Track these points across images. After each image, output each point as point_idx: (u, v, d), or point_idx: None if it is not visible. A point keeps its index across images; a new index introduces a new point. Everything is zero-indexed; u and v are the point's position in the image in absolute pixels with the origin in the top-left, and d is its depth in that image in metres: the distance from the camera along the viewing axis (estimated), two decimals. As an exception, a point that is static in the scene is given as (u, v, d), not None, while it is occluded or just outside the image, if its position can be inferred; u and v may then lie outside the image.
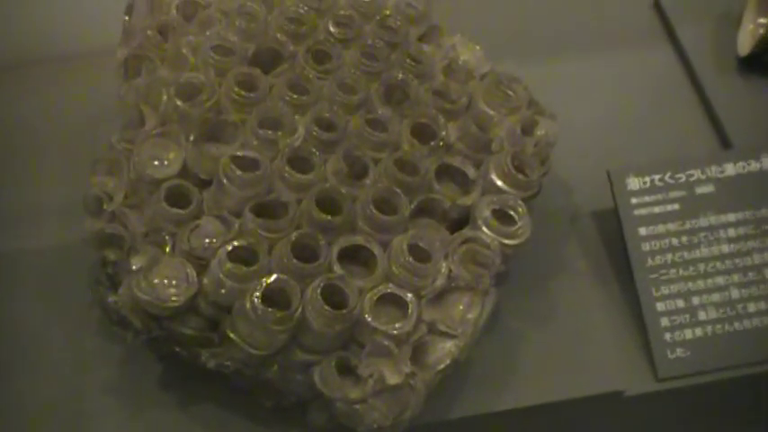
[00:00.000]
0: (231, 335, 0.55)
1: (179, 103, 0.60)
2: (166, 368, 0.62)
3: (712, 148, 0.75)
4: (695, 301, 0.64)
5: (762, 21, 0.81)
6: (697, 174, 0.68)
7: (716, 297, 0.65)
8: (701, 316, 0.64)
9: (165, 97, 0.60)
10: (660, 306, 0.64)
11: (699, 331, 0.64)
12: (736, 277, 0.65)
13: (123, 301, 0.56)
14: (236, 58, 0.63)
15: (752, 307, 0.64)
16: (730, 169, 0.68)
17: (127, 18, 0.67)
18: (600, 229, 0.70)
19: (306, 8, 0.67)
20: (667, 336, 0.63)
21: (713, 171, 0.68)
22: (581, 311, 0.67)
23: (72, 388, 0.62)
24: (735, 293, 0.65)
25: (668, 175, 0.68)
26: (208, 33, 0.64)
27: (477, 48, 0.69)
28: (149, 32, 0.65)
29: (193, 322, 0.56)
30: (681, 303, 0.64)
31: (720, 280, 0.65)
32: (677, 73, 0.81)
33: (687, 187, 0.67)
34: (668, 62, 0.82)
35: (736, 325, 0.64)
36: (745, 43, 0.81)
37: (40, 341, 0.64)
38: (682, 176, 0.68)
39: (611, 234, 0.68)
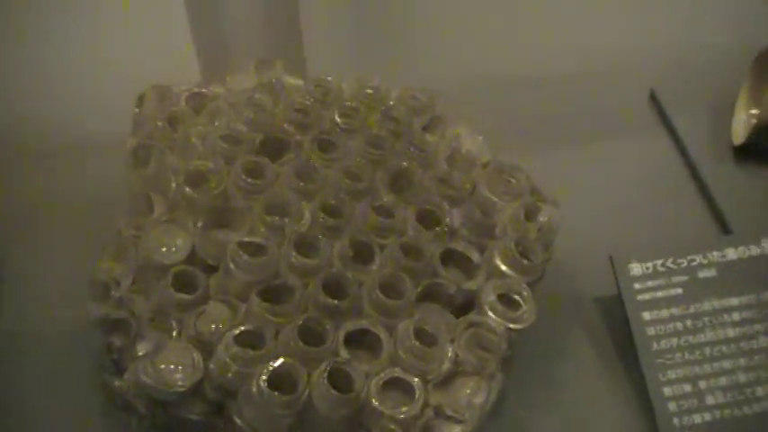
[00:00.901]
0: (236, 420, 0.54)
1: (187, 189, 0.61)
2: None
3: (712, 234, 0.76)
4: (702, 385, 0.64)
5: (753, 111, 0.84)
6: (699, 259, 0.68)
7: (723, 381, 0.64)
8: (709, 400, 0.64)
9: (173, 184, 0.62)
10: (667, 391, 0.64)
11: (707, 416, 0.63)
12: (742, 361, 0.65)
13: (128, 385, 0.56)
14: (243, 147, 0.64)
15: (760, 391, 0.64)
16: (732, 254, 0.69)
17: (137, 110, 0.69)
18: (604, 315, 0.71)
19: (312, 100, 0.69)
20: (675, 421, 0.63)
21: (715, 256, 0.69)
22: (587, 398, 0.66)
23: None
24: (742, 377, 0.64)
25: (670, 260, 0.68)
26: (216, 123, 0.66)
27: (480, 138, 0.71)
28: (159, 123, 0.66)
29: (199, 408, 0.56)
30: (688, 388, 0.64)
31: (727, 364, 0.65)
32: (675, 161, 0.83)
33: (689, 272, 0.68)
34: (666, 151, 0.84)
35: (745, 409, 0.63)
36: (738, 132, 0.83)
37: (43, 426, 0.63)
38: (684, 261, 0.68)
39: (616, 319, 0.68)
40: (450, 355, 0.57)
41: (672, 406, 0.63)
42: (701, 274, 0.68)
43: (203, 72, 0.79)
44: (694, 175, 0.82)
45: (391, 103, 0.70)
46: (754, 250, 0.69)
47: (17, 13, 0.79)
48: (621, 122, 0.87)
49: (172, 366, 0.55)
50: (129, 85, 0.70)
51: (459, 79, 0.85)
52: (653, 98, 0.89)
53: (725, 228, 0.77)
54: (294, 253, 0.58)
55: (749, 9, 0.92)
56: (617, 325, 0.68)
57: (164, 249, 0.60)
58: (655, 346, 0.65)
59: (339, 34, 0.88)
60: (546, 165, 0.74)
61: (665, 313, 0.67)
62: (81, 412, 0.64)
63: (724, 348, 0.65)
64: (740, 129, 0.84)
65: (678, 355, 0.65)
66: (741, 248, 0.69)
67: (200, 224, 0.60)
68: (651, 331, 0.66)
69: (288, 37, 0.79)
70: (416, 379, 0.56)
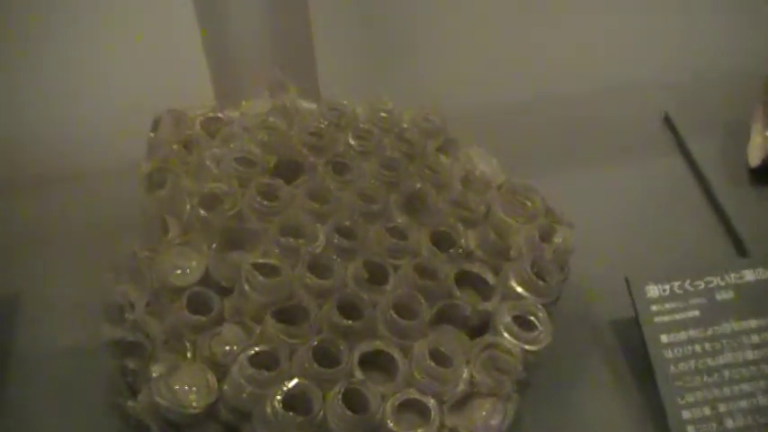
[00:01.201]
0: (251, 442, 0.54)
1: (201, 211, 0.61)
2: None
3: (729, 256, 0.76)
4: (722, 408, 0.63)
5: (769, 133, 0.83)
6: (716, 280, 0.68)
7: (743, 404, 0.63)
8: (729, 424, 0.63)
9: (188, 206, 0.62)
10: (686, 414, 0.63)
11: (727, 439, 0.62)
12: (762, 383, 0.64)
13: (142, 406, 0.55)
14: (258, 169, 0.64)
15: (780, 414, 0.63)
16: (749, 275, 0.68)
17: (152, 134, 0.70)
18: (620, 338, 0.70)
19: (326, 123, 0.69)
20: (695, 444, 0.62)
21: (732, 278, 0.68)
22: (604, 421, 0.66)
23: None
24: (762, 400, 0.63)
25: (687, 282, 0.68)
26: (231, 146, 0.66)
27: (493, 159, 0.71)
28: (174, 146, 0.67)
29: (213, 429, 0.55)
30: (707, 411, 0.63)
31: (746, 386, 0.64)
32: (690, 183, 0.83)
33: (707, 294, 0.67)
34: (680, 173, 0.83)
35: (766, 432, 0.62)
36: (754, 155, 0.83)
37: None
38: (701, 283, 0.68)
39: (632, 342, 0.68)
40: (465, 376, 0.57)
41: (691, 429, 0.62)
42: (719, 297, 0.67)
43: (217, 97, 0.79)
44: (710, 197, 0.81)
45: (405, 125, 0.70)
46: (772, 272, 0.68)
47: (30, 40, 0.80)
48: (636, 144, 0.87)
49: (186, 387, 0.55)
50: (143, 109, 0.70)
51: (472, 101, 0.85)
52: (667, 119, 0.89)
53: (741, 250, 0.76)
54: (308, 274, 0.58)
55: (765, 31, 0.92)
56: (634, 348, 0.67)
57: (178, 272, 0.60)
58: (673, 368, 0.65)
59: (352, 56, 0.88)
60: (560, 186, 0.74)
61: (682, 335, 0.66)
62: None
63: (743, 371, 0.65)
64: (756, 151, 0.83)
65: (697, 377, 0.64)
66: (759, 270, 0.68)
67: (214, 246, 0.60)
68: (669, 354, 0.65)
69: (301, 59, 0.79)
70: (432, 400, 0.55)
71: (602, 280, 0.71)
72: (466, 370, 0.57)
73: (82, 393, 0.65)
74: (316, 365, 0.54)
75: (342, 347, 0.56)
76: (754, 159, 0.82)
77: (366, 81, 0.89)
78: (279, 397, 0.53)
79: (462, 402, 0.57)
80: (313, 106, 0.72)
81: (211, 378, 0.55)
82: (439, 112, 0.72)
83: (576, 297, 0.72)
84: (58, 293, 0.73)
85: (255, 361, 0.55)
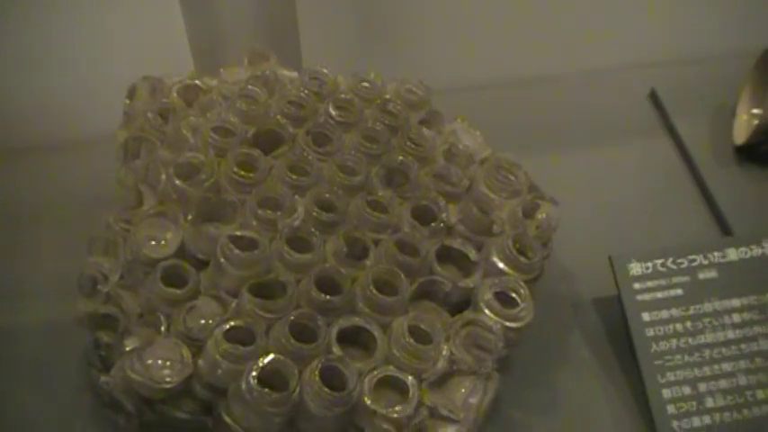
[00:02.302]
0: (226, 418, 0.53)
1: (178, 182, 0.60)
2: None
3: (713, 235, 0.75)
4: (702, 387, 0.63)
5: (755, 111, 0.83)
6: (699, 259, 0.67)
7: (723, 384, 0.63)
8: (709, 403, 0.62)
9: (163, 176, 0.60)
10: (666, 393, 0.63)
11: (707, 419, 0.62)
12: (743, 363, 0.63)
13: (115, 382, 0.54)
14: (236, 139, 0.63)
15: (760, 394, 0.62)
16: (732, 255, 0.68)
17: (128, 101, 0.68)
18: (602, 316, 0.69)
19: (306, 92, 0.67)
20: (674, 424, 0.62)
21: (715, 257, 0.67)
22: (585, 400, 0.65)
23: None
24: (742, 380, 0.63)
25: (670, 260, 0.67)
26: (208, 115, 0.65)
27: (478, 133, 0.70)
28: (150, 115, 0.65)
29: (187, 406, 0.55)
30: (687, 390, 0.63)
31: (727, 366, 0.64)
32: (675, 162, 0.82)
33: (690, 273, 0.67)
34: (666, 151, 0.83)
35: (745, 412, 0.62)
36: (740, 133, 0.82)
37: (29, 423, 0.62)
38: (684, 262, 0.67)
39: (614, 320, 0.67)
40: (445, 353, 0.56)
41: (671, 408, 0.62)
42: (702, 275, 0.67)
43: (196, 64, 0.77)
44: (695, 175, 0.81)
45: (387, 96, 0.69)
46: (755, 251, 0.68)
47: (4, 9, 0.78)
48: (622, 122, 0.86)
49: (160, 362, 0.54)
50: (122, 77, 0.69)
51: (457, 78, 0.84)
52: (653, 98, 0.88)
53: (725, 229, 0.76)
54: (287, 248, 0.57)
55: (751, 10, 0.91)
56: (616, 326, 0.67)
57: (153, 243, 0.59)
58: (654, 347, 0.64)
59: (336, 29, 0.87)
60: (546, 164, 0.74)
61: (664, 314, 0.65)
62: (68, 410, 0.62)
63: (724, 350, 0.64)
64: (741, 130, 0.83)
65: (678, 356, 0.64)
66: (742, 249, 0.68)
67: (190, 217, 0.59)
68: (650, 332, 0.65)
69: (284, 30, 0.78)
70: (411, 378, 0.55)
71: (586, 258, 0.71)
72: (446, 347, 0.56)
73: (56, 369, 0.64)
74: (293, 341, 0.53)
75: (320, 323, 0.55)
76: (740, 138, 0.82)
77: (351, 55, 0.88)
78: (254, 373, 0.52)
79: (442, 380, 0.56)
80: (294, 75, 0.71)
81: (186, 353, 0.54)
82: (424, 84, 0.71)
83: (560, 275, 0.71)
84: (32, 267, 0.72)
85: (231, 336, 0.54)
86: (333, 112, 0.66)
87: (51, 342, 0.66)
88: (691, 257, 0.67)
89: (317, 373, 0.52)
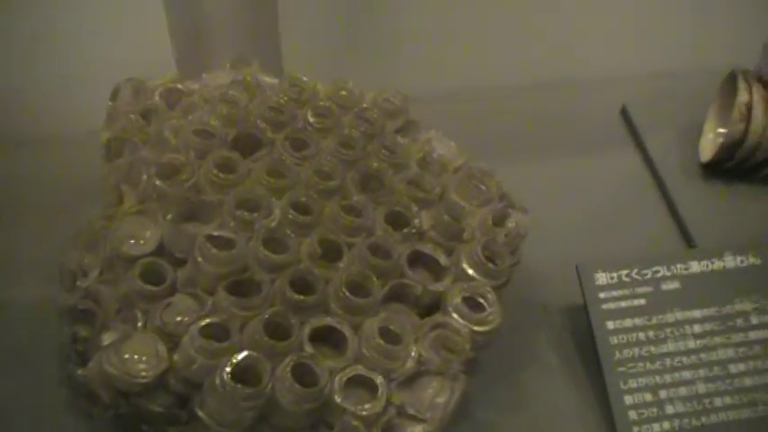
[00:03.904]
0: (199, 412, 0.54)
1: (158, 182, 0.61)
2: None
3: (677, 247, 0.77)
4: (663, 394, 0.65)
5: (721, 130, 0.85)
6: (663, 270, 0.69)
7: (683, 391, 0.65)
8: (669, 410, 0.64)
9: (144, 176, 0.62)
10: (628, 399, 0.65)
11: (666, 425, 0.64)
12: (702, 372, 0.66)
13: (92, 374, 0.55)
14: (216, 142, 0.64)
15: (718, 401, 0.65)
16: (695, 267, 0.70)
17: (111, 102, 0.69)
18: (569, 323, 0.71)
19: (286, 98, 0.69)
20: (635, 429, 0.63)
21: (678, 268, 0.70)
22: (550, 404, 0.67)
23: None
24: (701, 388, 0.65)
25: (635, 270, 0.69)
26: (190, 117, 0.66)
27: (452, 143, 0.72)
28: (132, 116, 0.66)
29: (162, 399, 0.56)
30: (648, 397, 0.65)
31: (687, 374, 0.66)
32: (643, 176, 0.85)
33: (653, 283, 0.69)
34: (635, 165, 0.86)
35: (703, 419, 0.64)
36: (706, 150, 0.85)
37: (5, 415, 0.63)
38: (648, 273, 0.69)
39: (581, 327, 0.69)
40: (414, 354, 0.58)
41: (632, 414, 0.64)
42: (665, 286, 0.69)
43: (179, 68, 0.79)
44: (662, 189, 0.83)
45: (365, 105, 0.71)
46: (717, 264, 0.70)
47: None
48: (593, 135, 0.89)
49: (136, 356, 0.55)
50: (106, 75, 0.70)
51: (433, 87, 0.86)
52: (624, 114, 0.91)
53: (690, 242, 0.78)
54: (263, 248, 0.59)
55: (719, 33, 0.94)
56: (582, 333, 0.69)
57: (132, 241, 0.60)
58: (617, 355, 0.66)
59: (316, 37, 0.88)
60: (517, 174, 0.75)
61: (628, 323, 0.67)
62: (44, 402, 0.63)
63: (684, 359, 0.66)
64: (707, 147, 0.85)
65: (640, 364, 0.66)
66: (704, 262, 0.70)
67: (169, 217, 0.60)
68: (614, 340, 0.67)
69: (265, 37, 0.79)
70: (380, 377, 0.56)
71: (555, 267, 0.73)
72: (414, 348, 0.58)
73: (33, 361, 0.65)
74: (266, 338, 0.55)
75: (293, 321, 0.56)
76: (705, 155, 0.85)
77: (331, 63, 0.89)
78: (228, 368, 0.53)
79: (410, 380, 0.58)
80: (274, 81, 0.72)
81: (162, 348, 0.55)
82: (401, 94, 0.73)
83: (529, 283, 0.73)
84: (14, 259, 0.72)
85: (206, 332, 0.55)
86: (311, 119, 0.68)
87: (29, 334, 0.66)
88: (655, 269, 0.69)
89: (288, 369, 0.54)
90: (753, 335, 0.67)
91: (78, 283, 0.60)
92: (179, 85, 0.70)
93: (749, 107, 0.81)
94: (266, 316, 0.56)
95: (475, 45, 0.90)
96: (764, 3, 0.93)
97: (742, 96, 0.81)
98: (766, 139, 0.81)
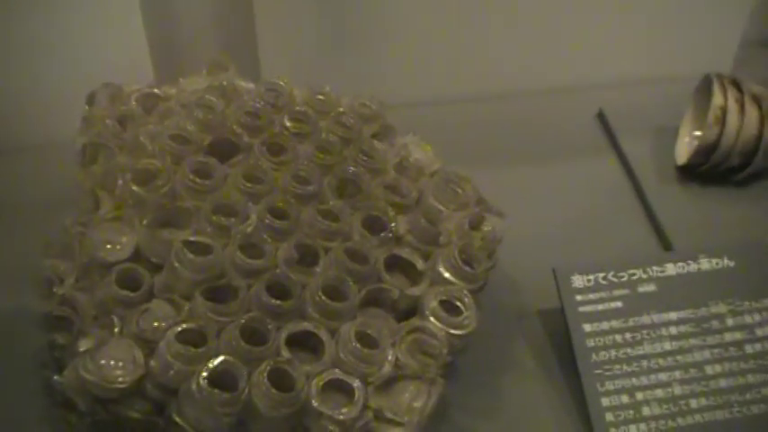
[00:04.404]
0: (177, 419, 0.54)
1: (134, 187, 0.61)
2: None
3: (653, 250, 0.78)
4: (639, 396, 0.65)
5: (697, 133, 0.86)
6: (639, 273, 0.70)
7: (659, 393, 0.65)
8: (645, 411, 0.65)
9: (120, 182, 0.61)
10: (605, 401, 0.65)
11: (643, 427, 0.64)
12: (678, 374, 0.66)
13: (69, 381, 0.55)
14: (192, 147, 0.64)
15: (694, 403, 0.65)
16: (671, 269, 0.70)
17: (87, 107, 0.69)
18: (546, 326, 0.72)
19: (263, 103, 0.69)
20: (612, 431, 0.64)
21: (654, 271, 0.70)
22: (528, 407, 0.67)
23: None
24: (677, 390, 0.66)
25: (611, 273, 0.69)
26: (166, 123, 0.66)
27: (429, 148, 0.72)
28: (108, 122, 0.66)
29: (139, 406, 0.55)
30: (625, 399, 0.65)
31: (663, 376, 0.66)
32: (620, 179, 0.85)
33: (630, 286, 0.69)
34: (611, 169, 0.86)
35: (679, 420, 0.64)
36: (682, 153, 0.86)
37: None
38: (624, 275, 0.70)
39: (558, 331, 0.69)
40: (391, 358, 0.58)
41: (609, 416, 0.64)
42: (641, 289, 0.69)
43: (156, 73, 0.79)
44: (638, 192, 0.84)
45: (341, 109, 0.71)
46: (693, 267, 0.70)
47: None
48: (570, 140, 0.89)
49: (113, 363, 0.55)
50: (83, 83, 0.70)
51: (410, 93, 0.86)
52: (600, 117, 0.91)
53: (666, 244, 0.78)
54: (239, 254, 0.59)
55: (695, 38, 0.95)
56: (559, 336, 0.69)
57: (108, 247, 0.60)
58: (594, 357, 0.66)
59: (294, 42, 0.88)
60: (494, 179, 0.75)
61: (605, 325, 0.68)
62: (21, 410, 0.63)
63: (661, 361, 0.67)
64: (683, 150, 0.86)
65: (617, 366, 0.66)
66: (680, 264, 0.71)
67: (145, 222, 0.60)
68: (591, 343, 0.67)
69: (242, 42, 0.79)
70: (357, 381, 0.56)
71: (532, 271, 0.73)
72: (391, 352, 0.58)
73: (7, 371, 0.65)
74: (243, 343, 0.55)
75: (269, 327, 0.56)
76: (682, 158, 0.85)
77: (308, 68, 0.89)
78: (205, 374, 0.53)
79: (387, 384, 0.58)
80: (251, 86, 0.72)
81: (138, 354, 0.55)
82: (377, 99, 0.73)
83: (506, 287, 0.73)
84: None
85: (183, 338, 0.55)
86: (288, 124, 0.68)
87: (5, 341, 0.66)
88: (631, 271, 0.70)
89: (265, 374, 0.54)
90: (728, 336, 0.68)
91: (55, 289, 0.60)
92: (155, 90, 0.70)
93: (724, 111, 0.81)
94: (243, 321, 0.56)
95: (451, 51, 0.91)
96: (739, 8, 0.94)
97: (717, 100, 0.82)
98: (741, 143, 0.81)
